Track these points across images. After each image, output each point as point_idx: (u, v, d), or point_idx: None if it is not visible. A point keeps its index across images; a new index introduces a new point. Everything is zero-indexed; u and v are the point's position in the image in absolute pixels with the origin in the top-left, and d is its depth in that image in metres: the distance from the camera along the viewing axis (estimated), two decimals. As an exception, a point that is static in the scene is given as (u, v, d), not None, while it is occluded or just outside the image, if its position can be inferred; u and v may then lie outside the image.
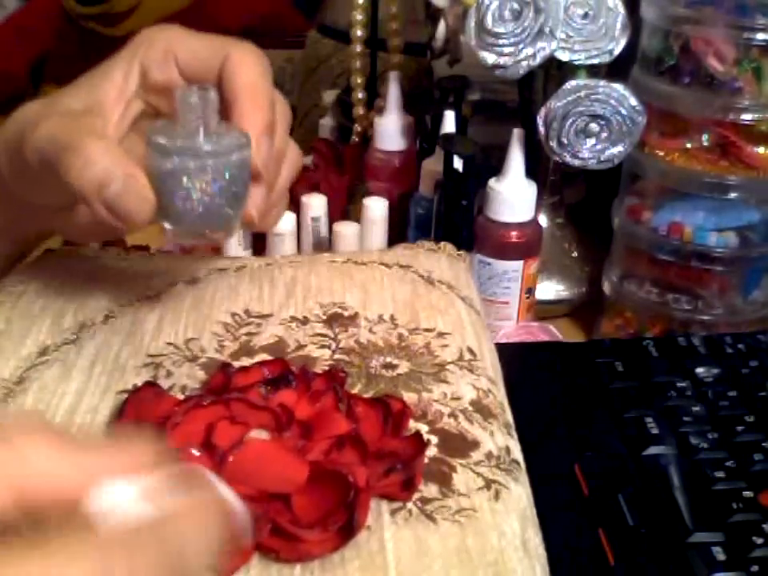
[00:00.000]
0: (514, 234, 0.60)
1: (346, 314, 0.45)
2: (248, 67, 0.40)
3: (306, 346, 0.42)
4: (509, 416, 0.40)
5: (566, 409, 0.49)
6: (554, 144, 0.58)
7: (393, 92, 0.69)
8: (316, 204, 0.63)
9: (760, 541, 0.39)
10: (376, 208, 0.62)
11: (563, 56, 0.58)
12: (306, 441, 0.35)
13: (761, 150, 0.57)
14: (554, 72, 0.61)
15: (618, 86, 0.56)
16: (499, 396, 0.41)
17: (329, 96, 0.84)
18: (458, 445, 0.37)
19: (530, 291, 0.62)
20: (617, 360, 0.53)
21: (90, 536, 0.20)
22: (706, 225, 0.59)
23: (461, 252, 0.53)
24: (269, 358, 0.41)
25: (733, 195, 0.57)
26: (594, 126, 0.57)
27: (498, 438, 0.38)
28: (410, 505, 0.33)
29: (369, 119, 0.76)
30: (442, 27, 0.65)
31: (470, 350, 0.43)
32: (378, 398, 0.38)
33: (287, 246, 0.61)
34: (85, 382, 0.40)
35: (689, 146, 0.59)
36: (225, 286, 0.47)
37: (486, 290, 0.61)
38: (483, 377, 0.41)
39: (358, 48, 0.76)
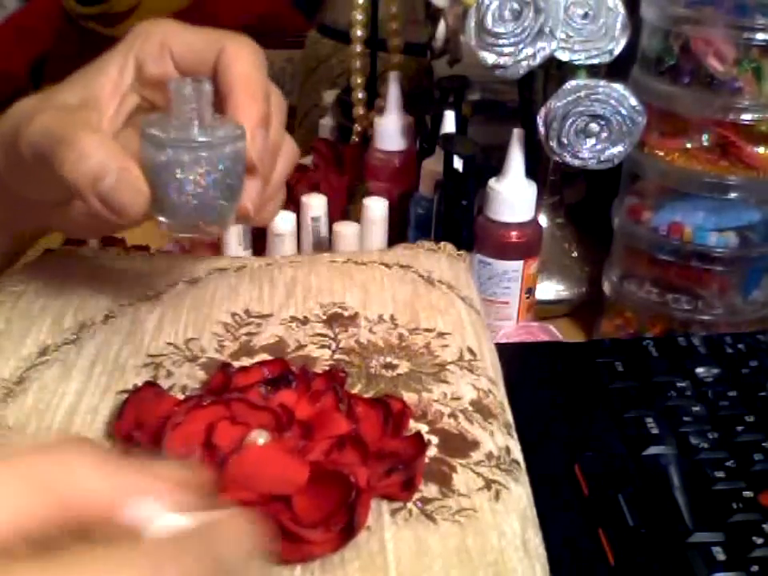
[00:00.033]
0: (514, 233, 0.60)
1: (346, 313, 0.45)
2: (243, 60, 0.40)
3: (306, 345, 0.42)
4: (509, 416, 0.40)
5: (565, 409, 0.49)
6: (554, 144, 0.58)
7: (393, 92, 0.69)
8: (316, 204, 0.63)
9: (760, 541, 0.39)
10: (376, 208, 0.62)
11: (563, 56, 0.58)
12: (307, 441, 0.35)
13: (761, 149, 0.57)
14: (554, 72, 0.61)
15: (618, 86, 0.56)
16: (499, 396, 0.41)
17: (329, 96, 0.84)
18: (458, 445, 0.37)
19: (530, 291, 0.62)
20: (617, 360, 0.53)
21: (137, 543, 0.21)
22: (705, 225, 0.59)
23: (461, 252, 0.53)
24: (269, 357, 0.41)
25: (733, 195, 0.57)
26: (593, 126, 0.57)
27: (498, 438, 0.38)
28: (410, 505, 0.33)
29: (369, 119, 0.76)
30: (441, 27, 0.65)
31: (470, 350, 0.43)
32: (378, 398, 0.38)
33: (287, 245, 0.61)
34: (85, 382, 0.40)
35: (689, 145, 0.59)
36: (225, 286, 0.47)
37: (485, 290, 0.61)
38: (483, 377, 0.41)
39: (358, 48, 0.76)
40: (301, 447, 0.34)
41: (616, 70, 0.60)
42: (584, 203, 0.75)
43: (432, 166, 0.64)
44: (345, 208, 0.69)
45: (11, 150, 0.40)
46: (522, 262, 0.60)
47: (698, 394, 0.49)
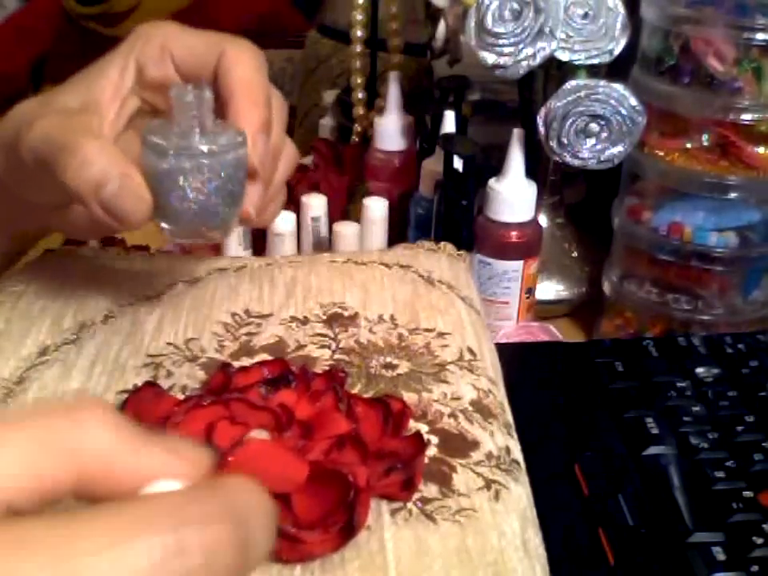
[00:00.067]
0: (514, 234, 0.60)
1: (346, 313, 0.45)
2: (244, 63, 0.40)
3: (305, 346, 0.42)
4: (509, 416, 0.40)
5: (566, 409, 0.49)
6: (554, 144, 0.58)
7: (393, 92, 0.69)
8: (316, 204, 0.63)
9: (760, 541, 0.39)
10: (376, 208, 0.62)
11: (563, 56, 0.58)
12: (306, 441, 0.35)
13: (761, 150, 0.57)
14: (554, 72, 0.61)
15: (618, 86, 0.56)
16: (499, 396, 0.41)
17: (329, 96, 0.84)
18: (458, 445, 0.37)
19: (530, 291, 0.62)
20: (617, 360, 0.53)
21: (152, 498, 0.19)
22: (705, 225, 0.59)
23: (461, 252, 0.53)
24: (269, 358, 0.41)
25: (733, 195, 0.57)
26: (594, 126, 0.57)
27: (498, 438, 0.38)
28: (410, 505, 0.33)
29: (369, 119, 0.76)
30: (441, 27, 0.65)
31: (470, 350, 0.43)
32: (378, 398, 0.38)
33: (287, 246, 0.61)
34: (85, 382, 0.40)
35: (689, 146, 0.59)
36: (225, 286, 0.47)
37: (485, 290, 0.61)
38: (483, 377, 0.41)
39: (358, 48, 0.76)
40: (300, 447, 0.34)
41: (616, 70, 0.60)
42: (584, 203, 0.75)
43: (432, 166, 0.64)
44: (345, 208, 0.69)
45: (11, 153, 0.40)
46: (521, 262, 0.60)
47: (698, 394, 0.49)
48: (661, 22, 0.58)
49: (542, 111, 0.58)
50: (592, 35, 0.58)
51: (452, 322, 0.45)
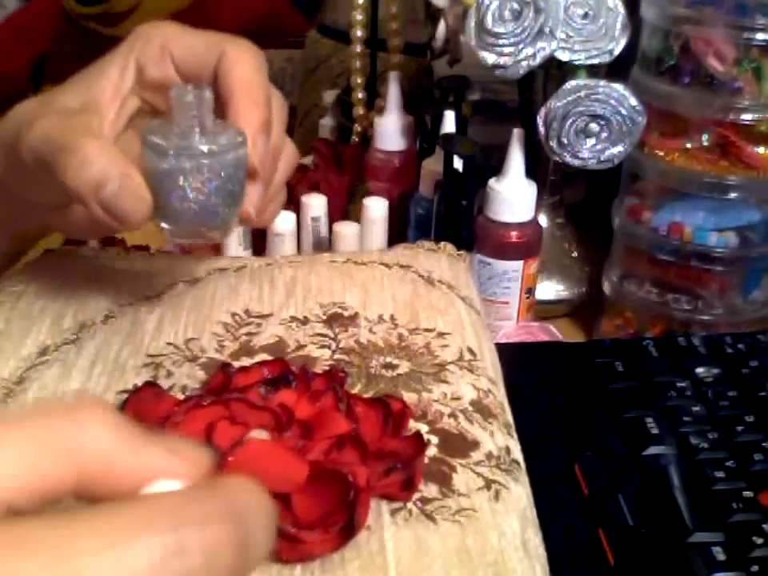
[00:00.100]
0: (514, 234, 0.60)
1: (345, 313, 0.45)
2: (244, 63, 0.40)
3: (305, 346, 0.42)
4: (509, 416, 0.40)
5: (566, 409, 0.49)
6: (554, 144, 0.58)
7: (393, 92, 0.69)
8: (316, 204, 0.63)
9: (760, 541, 0.39)
10: (376, 208, 0.62)
11: (563, 56, 0.58)
12: (306, 441, 0.35)
13: (761, 150, 0.57)
14: (554, 72, 0.61)
15: (618, 86, 0.56)
16: (499, 396, 0.41)
17: (329, 96, 0.84)
18: (458, 445, 0.37)
19: (530, 291, 0.62)
20: (617, 360, 0.53)
21: (151, 498, 0.19)
22: (705, 225, 0.59)
23: (461, 252, 0.53)
24: (269, 358, 0.41)
25: (733, 195, 0.57)
26: (594, 126, 0.57)
27: (498, 438, 0.38)
28: (410, 505, 0.33)
29: (369, 119, 0.76)
30: (441, 27, 0.65)
31: (470, 350, 0.43)
32: (378, 398, 0.38)
33: (287, 246, 0.61)
34: (85, 382, 0.40)
35: (689, 146, 0.59)
36: (225, 286, 0.47)
37: (485, 290, 0.61)
38: (483, 377, 0.41)
39: (358, 48, 0.76)
40: (300, 447, 0.34)
41: (616, 70, 0.60)
42: (584, 203, 0.75)
43: (432, 166, 0.64)
44: (345, 208, 0.69)
45: (11, 153, 0.40)
46: (521, 262, 0.60)
47: (698, 394, 0.49)
48: (661, 22, 0.58)
49: (542, 111, 0.58)
50: (592, 35, 0.58)
51: (452, 321, 0.45)
